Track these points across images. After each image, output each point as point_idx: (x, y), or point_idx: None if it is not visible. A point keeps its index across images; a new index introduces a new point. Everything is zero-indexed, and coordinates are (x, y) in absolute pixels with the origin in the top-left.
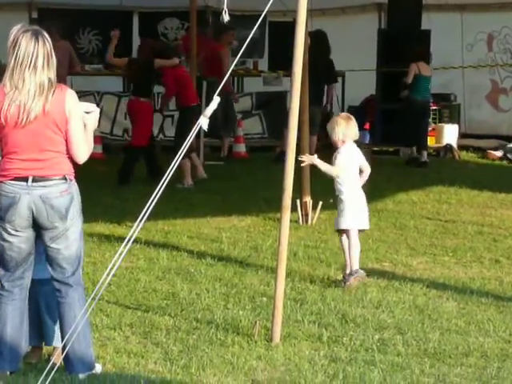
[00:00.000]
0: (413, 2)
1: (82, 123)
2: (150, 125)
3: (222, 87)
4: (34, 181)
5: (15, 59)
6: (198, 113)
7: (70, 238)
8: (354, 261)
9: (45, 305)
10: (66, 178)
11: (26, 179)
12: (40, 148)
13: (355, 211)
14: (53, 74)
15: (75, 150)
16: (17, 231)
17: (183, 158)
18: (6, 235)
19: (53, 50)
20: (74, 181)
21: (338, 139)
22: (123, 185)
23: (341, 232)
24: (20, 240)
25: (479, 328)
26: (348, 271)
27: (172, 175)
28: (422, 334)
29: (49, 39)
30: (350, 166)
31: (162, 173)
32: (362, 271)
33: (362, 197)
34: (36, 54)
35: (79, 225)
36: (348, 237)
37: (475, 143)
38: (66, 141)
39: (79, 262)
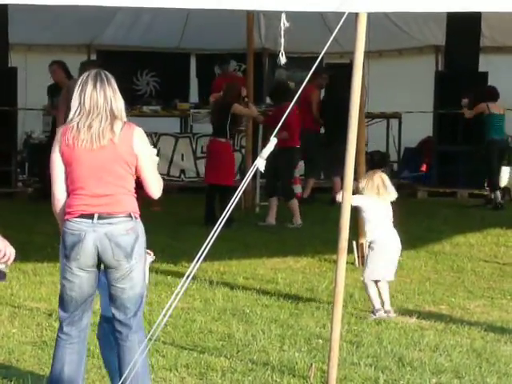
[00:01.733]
0: (470, 44)
1: (151, 160)
2: (232, 164)
3: (312, 127)
4: (99, 218)
5: (80, 101)
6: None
7: (134, 278)
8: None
9: None
10: (131, 216)
11: (91, 216)
12: (106, 182)
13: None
14: (118, 111)
15: (149, 186)
16: (81, 270)
17: (291, 199)
18: (69, 274)
19: (112, 89)
20: (139, 219)
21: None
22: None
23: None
24: (82, 280)
25: None
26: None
27: (229, 215)
28: (480, 378)
29: (111, 78)
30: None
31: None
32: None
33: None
34: (101, 94)
35: (143, 264)
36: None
37: None
38: (138, 178)
39: (141, 303)
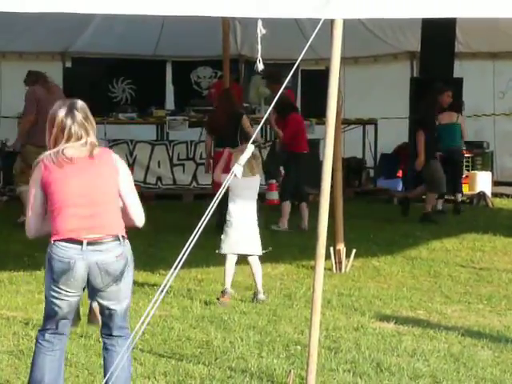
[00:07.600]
0: (445, 50)
1: None
2: None
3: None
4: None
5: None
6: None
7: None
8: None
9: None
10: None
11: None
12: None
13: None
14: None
15: None
16: (71, 292)
17: (285, 201)
18: (57, 295)
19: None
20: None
21: None
22: None
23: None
24: (72, 300)
25: None
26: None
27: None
28: (457, 382)
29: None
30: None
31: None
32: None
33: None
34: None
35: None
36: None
37: (508, 190)
38: None
39: (128, 310)
